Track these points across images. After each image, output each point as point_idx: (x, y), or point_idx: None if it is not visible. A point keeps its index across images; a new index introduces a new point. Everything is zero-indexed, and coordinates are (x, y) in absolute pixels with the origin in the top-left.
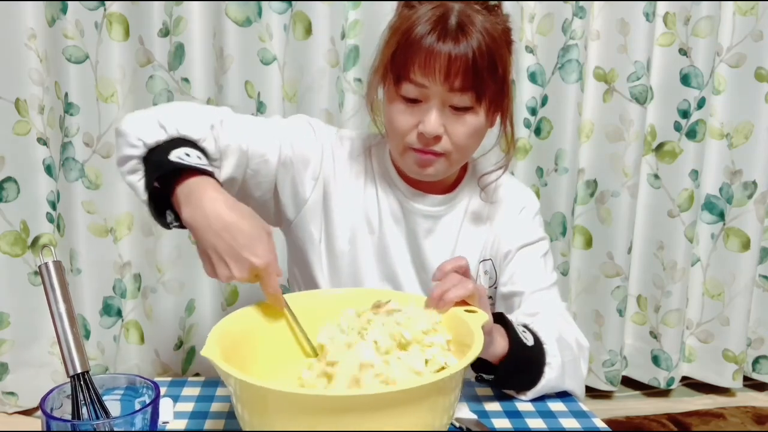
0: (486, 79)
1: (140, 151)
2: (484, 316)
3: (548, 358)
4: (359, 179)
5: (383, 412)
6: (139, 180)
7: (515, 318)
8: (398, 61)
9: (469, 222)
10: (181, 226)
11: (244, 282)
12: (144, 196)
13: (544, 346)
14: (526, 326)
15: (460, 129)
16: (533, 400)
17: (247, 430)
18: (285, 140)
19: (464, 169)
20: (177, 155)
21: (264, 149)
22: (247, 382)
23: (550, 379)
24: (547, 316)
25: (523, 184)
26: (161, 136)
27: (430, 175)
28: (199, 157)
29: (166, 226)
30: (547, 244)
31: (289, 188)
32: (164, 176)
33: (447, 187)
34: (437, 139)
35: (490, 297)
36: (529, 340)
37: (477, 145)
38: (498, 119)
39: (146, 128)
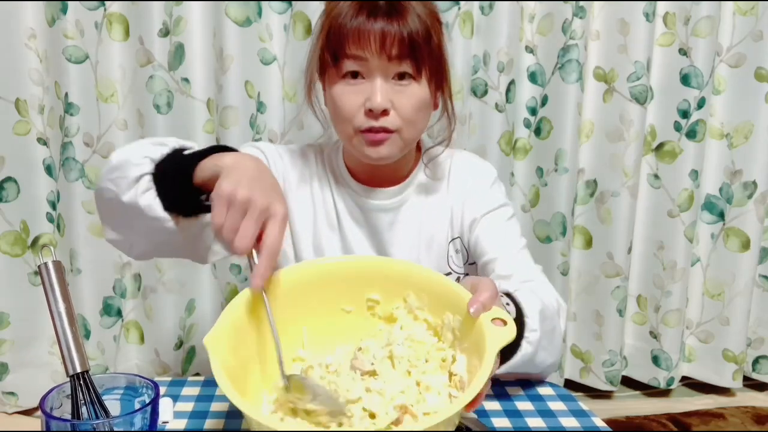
0: (422, 48)
1: (149, 167)
2: (509, 335)
3: (527, 333)
4: (313, 183)
5: None
6: (155, 197)
7: (498, 285)
8: (332, 42)
9: (430, 206)
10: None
11: (244, 250)
12: (161, 210)
13: (526, 319)
14: (510, 295)
15: (406, 102)
16: (532, 400)
17: (253, 429)
18: None
19: (417, 157)
20: (189, 152)
21: None
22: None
23: (525, 354)
24: (522, 279)
25: (479, 157)
26: (164, 150)
27: (385, 157)
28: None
29: (200, 208)
30: (510, 210)
31: None
32: (189, 168)
33: (401, 178)
34: (385, 113)
35: (466, 274)
36: (512, 313)
37: (425, 121)
38: (441, 100)
39: (145, 149)
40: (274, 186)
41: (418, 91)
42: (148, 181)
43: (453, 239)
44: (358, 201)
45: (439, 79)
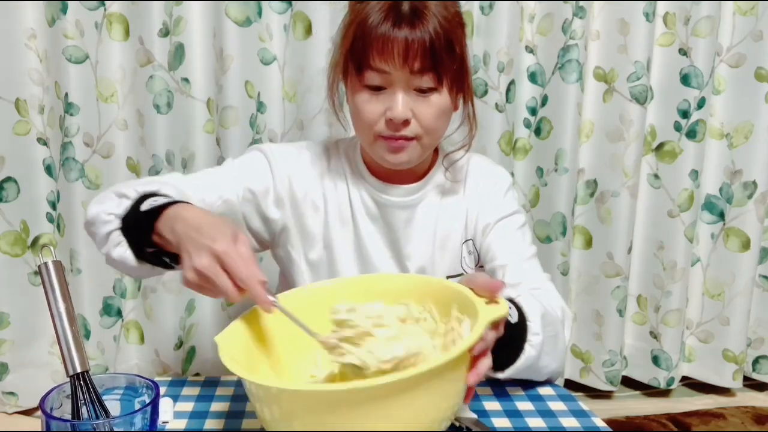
0: (444, 59)
1: (116, 223)
2: (502, 309)
3: (529, 336)
4: (324, 179)
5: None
6: (126, 250)
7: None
8: (357, 51)
9: (446, 206)
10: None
11: (230, 295)
12: (134, 261)
13: (528, 323)
14: (511, 300)
15: (427, 111)
16: (532, 400)
17: (269, 429)
18: (240, 178)
19: (434, 156)
20: (147, 205)
21: (220, 193)
22: (254, 383)
23: (529, 357)
24: (530, 287)
25: (494, 162)
26: (126, 203)
27: (404, 162)
28: (165, 197)
29: (171, 267)
30: (522, 218)
31: (258, 219)
32: (145, 228)
33: (419, 176)
34: (406, 123)
35: None
36: (514, 317)
37: (445, 127)
38: (461, 101)
39: (109, 203)
40: (208, 225)
41: (438, 100)
42: (118, 236)
43: (466, 241)
44: (374, 196)
45: (460, 83)
